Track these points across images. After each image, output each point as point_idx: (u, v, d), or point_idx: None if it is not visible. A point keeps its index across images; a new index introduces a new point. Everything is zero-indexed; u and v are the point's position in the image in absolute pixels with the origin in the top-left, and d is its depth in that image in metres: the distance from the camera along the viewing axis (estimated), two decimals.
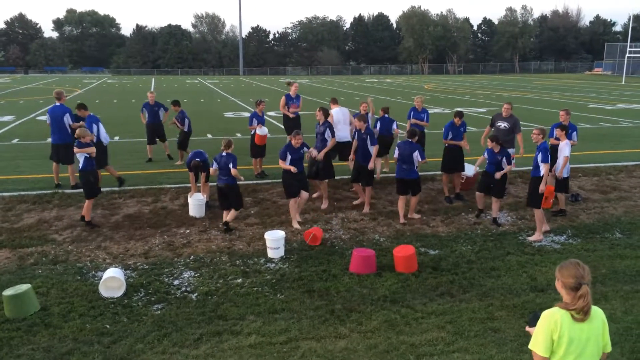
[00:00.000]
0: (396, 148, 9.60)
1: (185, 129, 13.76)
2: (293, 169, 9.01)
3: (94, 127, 10.84)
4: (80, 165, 9.13)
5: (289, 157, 9.07)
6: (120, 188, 11.10)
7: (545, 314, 3.23)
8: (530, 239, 8.92)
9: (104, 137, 11.16)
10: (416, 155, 9.36)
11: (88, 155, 9.05)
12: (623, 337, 5.72)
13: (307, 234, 8.58)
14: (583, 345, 3.17)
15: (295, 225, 9.23)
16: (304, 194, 9.44)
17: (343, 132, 11.43)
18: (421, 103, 12.56)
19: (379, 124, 11.82)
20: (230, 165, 8.78)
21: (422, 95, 13.31)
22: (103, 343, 5.61)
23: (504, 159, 9.42)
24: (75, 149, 9.10)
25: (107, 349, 5.50)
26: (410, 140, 9.49)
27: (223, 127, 20.84)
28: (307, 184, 9.66)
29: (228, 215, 9.11)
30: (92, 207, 9.99)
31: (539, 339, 3.21)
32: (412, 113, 12.43)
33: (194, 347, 5.56)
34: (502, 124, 11.16)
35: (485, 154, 9.66)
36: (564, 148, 9.61)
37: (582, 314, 3.16)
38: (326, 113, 10.56)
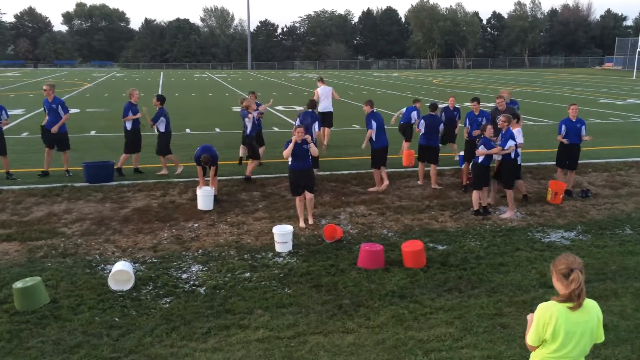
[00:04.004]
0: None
1: (162, 130, 12.10)
2: (292, 143, 8.79)
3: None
4: (248, 131, 11.81)
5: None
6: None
7: (541, 307, 3.34)
8: (503, 216, 9.59)
9: None
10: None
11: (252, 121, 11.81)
12: (633, 334, 5.68)
13: (327, 231, 8.52)
14: (578, 338, 3.29)
15: (302, 225, 9.07)
16: (308, 195, 9.15)
17: (326, 104, 15.34)
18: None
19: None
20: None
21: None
22: (112, 336, 5.64)
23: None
24: (246, 119, 11.72)
25: (116, 342, 5.53)
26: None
27: (231, 121, 20.84)
28: (312, 184, 9.35)
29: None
30: (102, 200, 10.07)
31: (531, 330, 3.36)
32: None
33: (202, 340, 5.58)
34: None
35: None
36: (517, 135, 9.82)
37: (575, 300, 3.24)
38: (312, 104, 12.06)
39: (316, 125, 11.25)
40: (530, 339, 3.37)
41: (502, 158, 9.67)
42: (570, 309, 3.26)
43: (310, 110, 11.61)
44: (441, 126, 11.65)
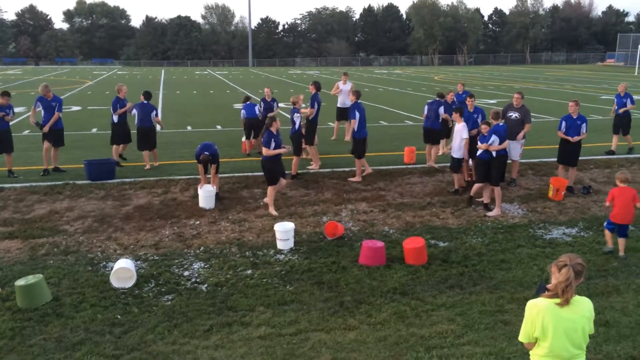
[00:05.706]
0: None
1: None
2: (286, 148, 9.50)
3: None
4: (297, 127, 11.45)
5: (273, 143, 9.32)
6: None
7: (529, 304, 3.38)
8: (490, 214, 9.50)
9: None
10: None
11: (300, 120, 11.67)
12: (635, 330, 5.68)
13: (328, 229, 8.51)
14: (570, 335, 3.31)
15: (273, 213, 9.43)
16: (282, 181, 9.72)
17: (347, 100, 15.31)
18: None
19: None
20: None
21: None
22: (114, 333, 5.66)
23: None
24: (295, 114, 11.48)
25: (118, 339, 5.54)
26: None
27: (232, 118, 20.82)
28: (284, 171, 9.86)
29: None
30: (104, 197, 10.06)
31: (522, 327, 3.41)
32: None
33: (204, 337, 5.59)
34: (513, 114, 11.08)
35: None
36: (462, 130, 10.30)
37: (562, 295, 3.25)
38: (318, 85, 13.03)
39: (316, 106, 12.51)
40: (520, 335, 3.42)
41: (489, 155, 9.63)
42: (558, 305, 3.27)
43: (317, 92, 12.77)
44: (441, 109, 12.53)
